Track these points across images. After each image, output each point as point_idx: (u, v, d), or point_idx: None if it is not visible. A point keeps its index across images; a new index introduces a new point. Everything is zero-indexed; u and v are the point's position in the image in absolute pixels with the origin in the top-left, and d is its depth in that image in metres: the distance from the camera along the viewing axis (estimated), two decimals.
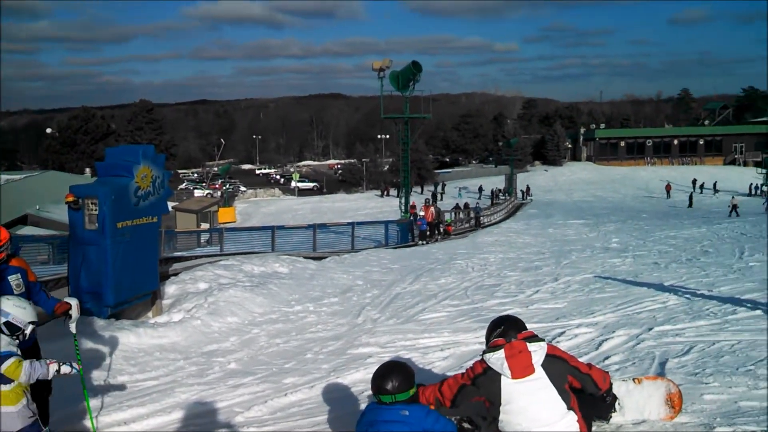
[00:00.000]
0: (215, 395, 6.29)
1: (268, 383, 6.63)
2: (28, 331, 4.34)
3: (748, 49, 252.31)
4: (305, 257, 17.24)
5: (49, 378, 4.37)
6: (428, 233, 26.18)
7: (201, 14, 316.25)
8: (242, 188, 75.00)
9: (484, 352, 3.91)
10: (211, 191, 70.02)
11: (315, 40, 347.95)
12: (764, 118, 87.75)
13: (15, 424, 4.11)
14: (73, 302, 5.15)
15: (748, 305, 8.29)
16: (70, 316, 5.12)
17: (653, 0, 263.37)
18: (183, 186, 77.52)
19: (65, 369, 4.36)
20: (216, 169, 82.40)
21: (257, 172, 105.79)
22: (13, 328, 4.25)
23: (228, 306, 10.16)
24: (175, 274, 12.18)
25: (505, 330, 3.98)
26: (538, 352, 3.81)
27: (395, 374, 3.75)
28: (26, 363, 4.16)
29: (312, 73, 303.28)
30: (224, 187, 62.61)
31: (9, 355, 4.12)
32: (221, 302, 10.22)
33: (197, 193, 69.24)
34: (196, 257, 16.79)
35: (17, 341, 4.27)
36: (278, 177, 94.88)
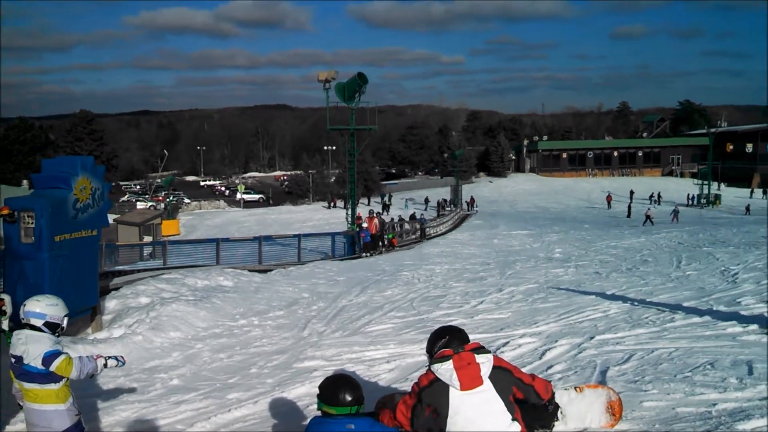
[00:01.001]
0: (157, 412, 6.16)
1: (211, 399, 6.52)
2: (65, 324, 4.51)
3: (685, 64, 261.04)
4: (250, 270, 17.09)
5: (98, 373, 4.55)
6: (372, 245, 26.16)
7: (144, 23, 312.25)
8: (186, 200, 73.80)
9: (431, 363, 3.90)
10: (154, 203, 68.82)
11: (261, 51, 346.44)
12: (700, 131, 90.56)
13: (65, 422, 4.26)
14: (6, 298, 5.06)
15: (685, 313, 8.52)
16: (5, 313, 5.02)
17: (595, 15, 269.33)
18: (125, 198, 75.98)
19: (112, 363, 4.55)
20: (159, 180, 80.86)
21: (202, 183, 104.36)
22: (53, 327, 4.39)
23: (170, 321, 9.99)
24: (116, 289, 11.93)
25: (450, 341, 3.97)
26: (485, 364, 3.82)
27: (351, 387, 3.74)
28: (76, 359, 4.31)
29: (258, 83, 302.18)
30: (168, 199, 61.41)
31: (57, 353, 4.23)
32: (163, 317, 10.03)
33: (140, 205, 68.03)
34: (138, 271, 16.50)
35: (59, 338, 4.43)
36: (223, 189, 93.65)
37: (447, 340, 3.98)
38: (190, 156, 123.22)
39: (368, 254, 25.23)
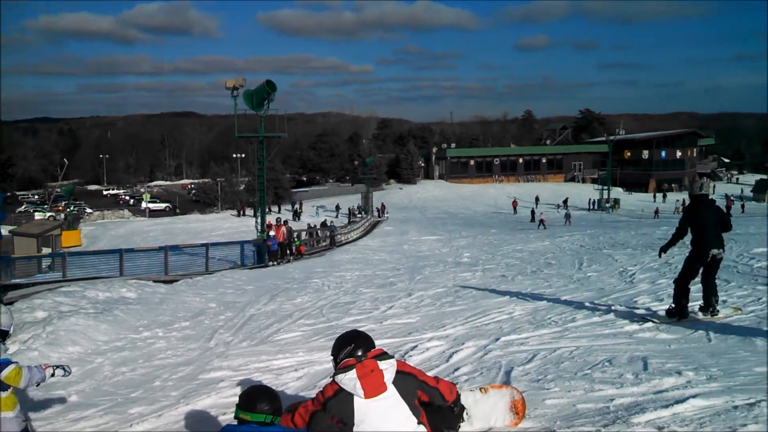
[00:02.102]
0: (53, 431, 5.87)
1: (112, 414, 6.26)
2: (12, 332, 4.64)
3: (585, 75, 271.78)
4: (155, 281, 16.62)
5: (47, 382, 4.66)
6: (279, 253, 25.89)
7: (43, 27, 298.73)
8: (88, 210, 71.07)
9: (335, 374, 3.88)
10: (53, 214, 66.10)
11: (168, 57, 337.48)
12: (599, 138, 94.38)
13: (13, 429, 4.28)
14: None
15: (586, 313, 8.81)
16: None
17: (500, 27, 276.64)
18: (22, 209, 72.48)
19: (59, 372, 4.64)
20: (59, 190, 77.53)
21: (105, 192, 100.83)
22: (3, 335, 4.48)
23: (69, 335, 9.55)
24: (11, 303, 11.33)
25: (355, 347, 3.96)
26: (389, 369, 3.83)
27: (271, 397, 3.77)
28: (25, 369, 4.35)
29: (164, 90, 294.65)
30: (68, 209, 58.94)
31: (7, 362, 4.29)
32: (61, 331, 9.59)
33: (38, 215, 65.23)
34: (36, 284, 15.80)
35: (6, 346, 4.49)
36: (128, 198, 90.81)
37: (352, 348, 3.97)
38: (92, 164, 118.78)
39: (275, 263, 24.94)
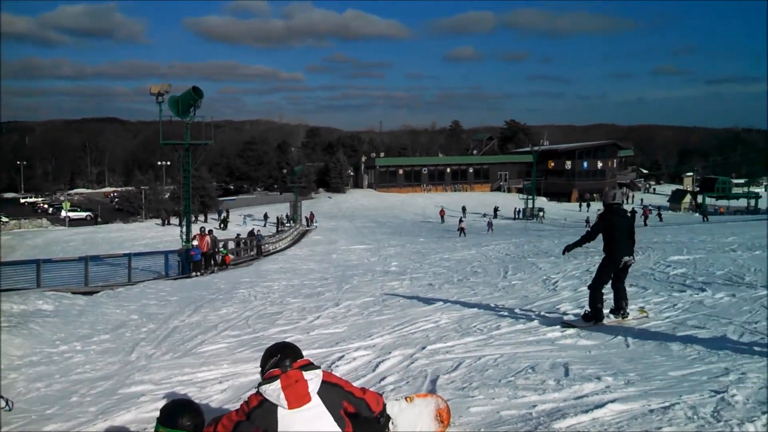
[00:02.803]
0: None
1: None
2: None
3: (512, 86, 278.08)
4: (74, 292, 16.08)
5: None
6: (203, 263, 25.43)
7: None
8: (4, 219, 68.27)
9: (260, 384, 3.84)
10: None
11: (90, 61, 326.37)
12: (525, 149, 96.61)
13: None
14: None
15: (511, 320, 8.96)
16: None
17: (429, 38, 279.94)
18: None
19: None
20: None
21: (22, 201, 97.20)
22: None
23: None
24: None
25: (282, 358, 3.94)
26: (314, 380, 3.82)
27: (193, 412, 3.76)
28: None
29: (86, 95, 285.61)
30: None
31: None
32: None
33: None
34: None
35: None
36: (46, 206, 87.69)
37: (279, 358, 3.94)
38: (8, 172, 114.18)
39: (199, 273, 24.48)
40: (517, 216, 67.99)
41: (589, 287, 8.38)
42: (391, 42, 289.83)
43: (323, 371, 3.96)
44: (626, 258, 8.16)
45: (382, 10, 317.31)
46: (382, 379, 6.43)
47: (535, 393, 5.40)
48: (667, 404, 4.82)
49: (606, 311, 8.34)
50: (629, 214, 8.53)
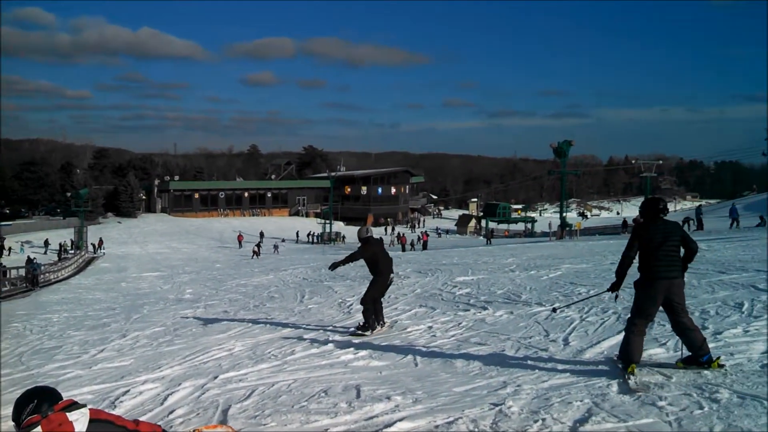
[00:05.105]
0: None
1: None
2: None
3: (310, 112, 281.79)
4: None
5: None
6: None
7: None
8: None
9: None
10: None
11: None
12: (322, 174, 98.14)
13: None
14: None
15: (305, 345, 8.98)
16: None
17: (226, 61, 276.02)
18: None
19: None
20: None
21: None
22: None
23: None
24: None
25: (38, 404, 3.61)
26: (80, 420, 3.58)
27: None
28: None
29: None
30: None
31: None
32: None
33: None
34: None
35: None
36: None
37: (36, 404, 3.61)
38: None
39: None
40: (313, 240, 68.72)
41: (362, 302, 9.91)
42: (188, 63, 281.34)
43: (90, 409, 3.73)
44: (392, 275, 10.07)
45: (180, 30, 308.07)
46: (171, 412, 6.14)
47: (327, 416, 5.42)
48: (451, 419, 5.05)
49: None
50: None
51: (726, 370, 5.81)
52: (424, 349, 8.10)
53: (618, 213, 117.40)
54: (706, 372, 5.80)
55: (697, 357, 5.90)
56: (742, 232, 30.18)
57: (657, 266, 5.81)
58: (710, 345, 6.56)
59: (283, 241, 66.57)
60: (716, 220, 46.66)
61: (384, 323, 10.00)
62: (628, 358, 5.89)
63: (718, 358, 5.97)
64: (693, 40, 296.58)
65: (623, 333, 6.12)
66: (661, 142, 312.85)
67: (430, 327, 9.70)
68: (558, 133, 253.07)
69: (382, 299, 10.24)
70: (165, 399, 6.65)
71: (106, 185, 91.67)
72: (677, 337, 6.22)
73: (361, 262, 10.20)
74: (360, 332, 9.69)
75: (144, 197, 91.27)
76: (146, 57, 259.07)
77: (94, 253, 55.66)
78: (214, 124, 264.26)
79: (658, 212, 5.99)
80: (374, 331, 9.63)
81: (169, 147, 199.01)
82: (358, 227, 10.82)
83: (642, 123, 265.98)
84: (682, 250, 5.98)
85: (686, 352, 6.05)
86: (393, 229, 77.35)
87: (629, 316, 6.08)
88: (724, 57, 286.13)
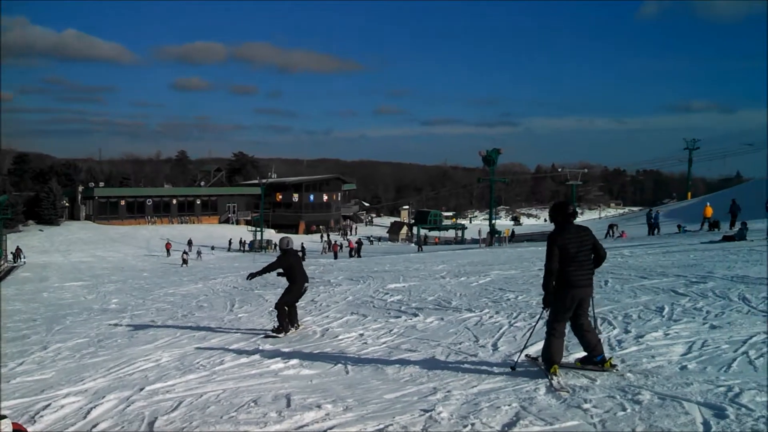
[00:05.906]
0: None
1: None
2: None
3: (240, 118, 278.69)
4: None
5: None
6: None
7: None
8: None
9: None
10: None
11: None
12: (253, 181, 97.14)
13: None
14: None
15: (234, 354, 8.86)
16: None
17: (154, 65, 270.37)
18: None
19: None
20: None
21: None
22: None
23: None
24: None
25: None
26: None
27: None
28: None
29: None
30: None
31: None
32: None
33: None
34: None
35: None
36: None
37: None
38: None
39: None
40: (244, 248, 67.85)
41: (276, 306, 10.65)
42: (115, 66, 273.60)
43: (13, 422, 3.59)
44: (306, 284, 10.86)
45: (106, 32, 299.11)
46: (95, 426, 5.95)
47: (257, 426, 5.37)
48: (381, 426, 5.07)
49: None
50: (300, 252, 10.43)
51: (617, 370, 6.18)
52: (355, 357, 8.11)
53: (546, 220, 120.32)
54: (629, 374, 6.03)
55: (592, 357, 6.25)
56: (662, 238, 31.30)
57: (573, 274, 6.02)
58: (633, 348, 6.86)
59: (213, 249, 65.54)
60: (638, 227, 48.20)
61: (298, 326, 10.85)
62: (550, 359, 6.13)
63: (611, 358, 6.34)
64: (618, 53, 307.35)
65: (545, 337, 6.32)
66: (586, 151, 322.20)
67: (362, 334, 9.72)
68: (487, 141, 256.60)
69: (296, 305, 11.08)
70: (88, 412, 6.45)
71: (27, 191, 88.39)
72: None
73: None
74: (273, 334, 10.38)
75: (67, 204, 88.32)
76: (70, 59, 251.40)
77: (14, 262, 53.58)
78: (141, 129, 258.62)
79: (568, 216, 6.17)
80: (287, 333, 10.36)
81: (94, 152, 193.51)
82: (281, 237, 11.54)
83: (569, 132, 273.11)
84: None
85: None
86: (328, 236, 76.98)
87: (548, 319, 6.27)
88: (648, 69, 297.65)
